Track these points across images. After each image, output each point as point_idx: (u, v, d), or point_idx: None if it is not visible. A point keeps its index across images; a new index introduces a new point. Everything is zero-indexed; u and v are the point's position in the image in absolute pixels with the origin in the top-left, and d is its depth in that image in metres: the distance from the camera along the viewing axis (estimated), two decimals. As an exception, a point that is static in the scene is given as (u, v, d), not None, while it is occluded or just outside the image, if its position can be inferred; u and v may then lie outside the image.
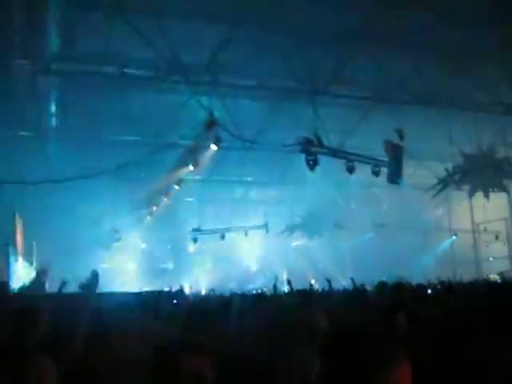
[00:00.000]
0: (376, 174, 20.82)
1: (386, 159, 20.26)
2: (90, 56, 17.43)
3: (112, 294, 11.10)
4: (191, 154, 22.43)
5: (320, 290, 14.69)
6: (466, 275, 20.87)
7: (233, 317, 7.00)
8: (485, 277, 24.55)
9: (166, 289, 17.36)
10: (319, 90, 18.61)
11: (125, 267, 30.81)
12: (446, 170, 23.61)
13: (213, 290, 20.72)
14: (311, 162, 19.33)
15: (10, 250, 22.45)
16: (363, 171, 21.24)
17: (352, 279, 11.75)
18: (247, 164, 27.21)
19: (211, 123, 19.02)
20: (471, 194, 24.34)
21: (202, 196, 30.01)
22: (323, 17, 16.47)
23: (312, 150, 19.63)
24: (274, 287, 12.21)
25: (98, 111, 22.47)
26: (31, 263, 26.16)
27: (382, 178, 20.75)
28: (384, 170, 20.44)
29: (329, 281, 11.91)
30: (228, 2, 15.41)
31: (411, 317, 5.46)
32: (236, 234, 31.27)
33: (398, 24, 16.77)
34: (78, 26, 15.80)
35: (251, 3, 15.43)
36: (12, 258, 22.50)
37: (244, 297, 10.19)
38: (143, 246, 32.23)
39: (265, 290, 19.33)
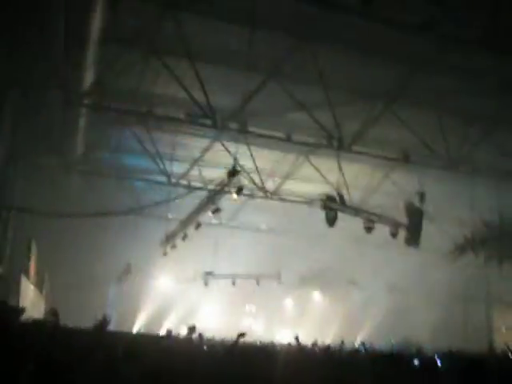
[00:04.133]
0: (394, 235, 20.33)
1: (404, 221, 20.07)
2: (121, 93, 17.63)
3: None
4: (212, 200, 22.34)
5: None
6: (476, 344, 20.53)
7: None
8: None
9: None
10: (344, 147, 18.51)
11: (136, 305, 30.30)
12: (465, 236, 23.53)
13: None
14: (331, 218, 19.39)
15: (23, 277, 22.45)
16: (381, 230, 20.72)
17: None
18: (265, 211, 27.22)
19: (235, 172, 19.27)
20: (487, 262, 23.84)
21: (217, 239, 29.69)
22: (354, 75, 16.60)
23: (333, 206, 19.83)
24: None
25: (125, 147, 23.00)
26: (41, 291, 26.10)
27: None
28: (402, 232, 19.94)
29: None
30: (263, 54, 15.47)
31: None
32: (247, 282, 30.88)
33: (426, 87, 16.76)
34: (114, 63, 16.01)
35: (286, 56, 15.49)
36: (23, 286, 22.27)
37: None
38: (156, 283, 31.74)
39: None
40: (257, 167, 22.06)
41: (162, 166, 22.53)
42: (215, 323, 28.43)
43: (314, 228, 25.61)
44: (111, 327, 9.86)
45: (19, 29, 13.75)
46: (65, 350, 7.33)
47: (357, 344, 16.70)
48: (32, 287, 23.95)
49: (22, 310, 11.20)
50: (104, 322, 8.77)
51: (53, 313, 9.18)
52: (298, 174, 23.42)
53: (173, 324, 24.24)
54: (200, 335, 11.19)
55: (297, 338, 11.37)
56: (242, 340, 9.99)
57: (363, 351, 12.62)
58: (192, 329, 10.74)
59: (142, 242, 27.33)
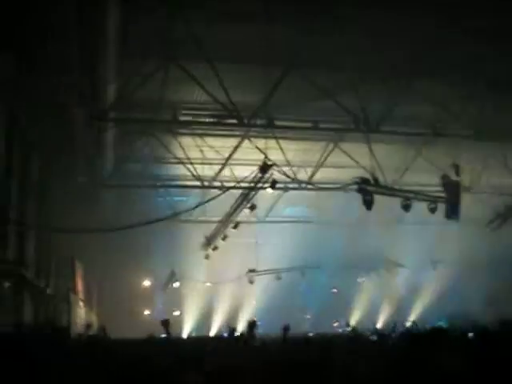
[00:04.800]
0: (433, 210, 20.33)
1: (442, 195, 19.92)
2: (145, 103, 17.57)
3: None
4: (247, 198, 22.19)
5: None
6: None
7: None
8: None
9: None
10: (373, 128, 18.25)
11: (183, 310, 30.33)
12: (505, 204, 23.38)
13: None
14: (368, 201, 19.10)
15: (71, 295, 22.84)
16: (418, 207, 20.64)
17: None
18: (300, 202, 27.05)
19: (267, 166, 19.12)
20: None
21: (256, 236, 29.59)
22: (375, 54, 16.17)
23: (369, 189, 19.31)
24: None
25: (154, 157, 23.07)
26: (91, 307, 26.42)
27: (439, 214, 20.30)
28: (441, 206, 19.96)
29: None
30: (277, 45, 15.25)
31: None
32: (292, 275, 30.86)
33: (450, 57, 16.56)
34: (134, 75, 16.11)
35: (302, 46, 15.24)
36: (73, 304, 22.60)
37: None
38: (200, 286, 31.38)
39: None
40: (287, 159, 21.91)
41: (193, 171, 22.53)
42: (265, 320, 27.62)
43: (352, 214, 25.74)
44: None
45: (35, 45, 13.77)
46: (122, 361, 7.41)
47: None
48: (81, 304, 24.30)
49: (68, 329, 11.30)
50: (165, 325, 8.84)
51: (102, 329, 9.21)
52: (330, 161, 23.19)
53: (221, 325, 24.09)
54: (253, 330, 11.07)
55: (349, 325, 11.01)
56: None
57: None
58: (252, 324, 10.68)
59: (184, 248, 27.49)
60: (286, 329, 10.37)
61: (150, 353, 7.93)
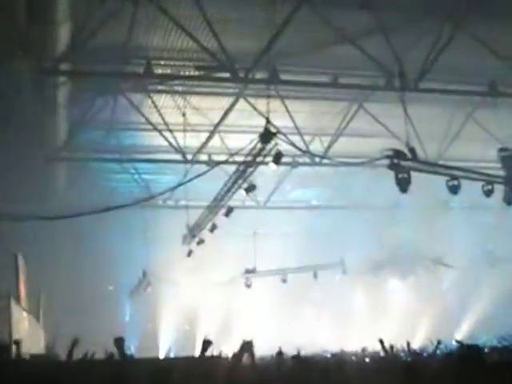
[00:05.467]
0: (488, 193, 20.29)
1: (500, 173, 19.96)
2: (107, 52, 17.29)
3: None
4: (243, 176, 21.72)
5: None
6: None
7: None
8: None
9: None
10: (410, 85, 18.07)
11: (159, 322, 30.58)
12: None
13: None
14: (403, 181, 18.60)
15: (12, 302, 22.43)
16: (469, 188, 20.56)
17: None
18: (314, 182, 27.15)
19: (269, 134, 18.63)
20: None
21: (256, 227, 29.78)
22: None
23: (404, 165, 18.78)
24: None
25: (121, 122, 23.01)
26: (38, 319, 26.30)
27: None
28: (498, 188, 19.96)
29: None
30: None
31: None
32: (302, 277, 30.88)
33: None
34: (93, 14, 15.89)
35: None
36: (15, 313, 22.05)
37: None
38: (182, 291, 31.17)
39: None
40: (296, 126, 21.88)
41: (172, 141, 22.56)
42: (266, 334, 28.19)
43: (382, 197, 25.83)
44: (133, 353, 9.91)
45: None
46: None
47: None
48: (25, 314, 24.32)
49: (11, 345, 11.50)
50: (118, 345, 8.82)
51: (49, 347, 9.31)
52: (352, 128, 23.23)
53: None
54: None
55: (381, 342, 11.37)
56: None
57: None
58: (247, 345, 10.66)
59: (159, 241, 27.52)
60: (280, 353, 10.59)
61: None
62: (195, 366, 9.88)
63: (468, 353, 7.62)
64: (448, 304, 31.46)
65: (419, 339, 25.97)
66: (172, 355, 27.94)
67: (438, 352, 12.27)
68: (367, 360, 14.57)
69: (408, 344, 12.66)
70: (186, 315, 30.89)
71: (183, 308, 30.75)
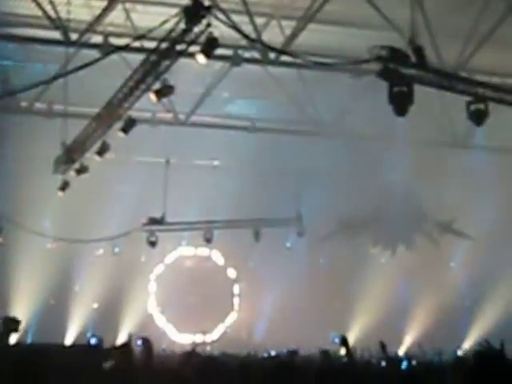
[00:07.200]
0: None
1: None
2: None
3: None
4: (155, 71, 21.28)
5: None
6: None
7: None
8: None
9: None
10: None
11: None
12: None
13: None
14: (400, 98, 18.89)
15: None
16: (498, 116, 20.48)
17: None
18: (261, 95, 28.07)
19: (199, 8, 18.37)
20: None
21: (170, 154, 29.54)
22: None
23: (403, 73, 18.85)
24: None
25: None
26: None
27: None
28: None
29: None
30: None
31: None
32: (235, 235, 30.82)
33: None
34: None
35: None
36: None
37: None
38: (47, 248, 31.98)
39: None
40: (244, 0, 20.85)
41: (49, 9, 22.56)
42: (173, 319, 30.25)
43: (368, 120, 25.95)
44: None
45: None
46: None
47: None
48: None
49: None
50: None
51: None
52: (329, 12, 22.98)
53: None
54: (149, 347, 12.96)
55: (344, 341, 12.88)
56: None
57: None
58: (146, 341, 12.55)
59: (17, 167, 28.26)
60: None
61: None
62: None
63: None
64: (455, 290, 32.46)
65: (409, 340, 28.34)
66: (28, 340, 27.34)
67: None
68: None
69: (383, 345, 13.78)
70: (52, 283, 30.53)
71: (49, 272, 30.47)
